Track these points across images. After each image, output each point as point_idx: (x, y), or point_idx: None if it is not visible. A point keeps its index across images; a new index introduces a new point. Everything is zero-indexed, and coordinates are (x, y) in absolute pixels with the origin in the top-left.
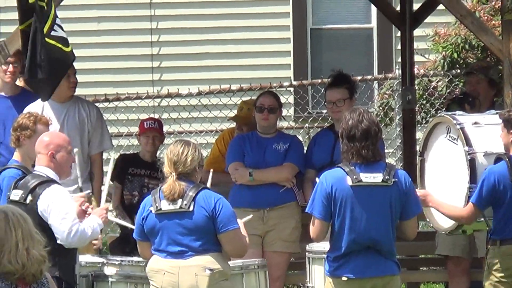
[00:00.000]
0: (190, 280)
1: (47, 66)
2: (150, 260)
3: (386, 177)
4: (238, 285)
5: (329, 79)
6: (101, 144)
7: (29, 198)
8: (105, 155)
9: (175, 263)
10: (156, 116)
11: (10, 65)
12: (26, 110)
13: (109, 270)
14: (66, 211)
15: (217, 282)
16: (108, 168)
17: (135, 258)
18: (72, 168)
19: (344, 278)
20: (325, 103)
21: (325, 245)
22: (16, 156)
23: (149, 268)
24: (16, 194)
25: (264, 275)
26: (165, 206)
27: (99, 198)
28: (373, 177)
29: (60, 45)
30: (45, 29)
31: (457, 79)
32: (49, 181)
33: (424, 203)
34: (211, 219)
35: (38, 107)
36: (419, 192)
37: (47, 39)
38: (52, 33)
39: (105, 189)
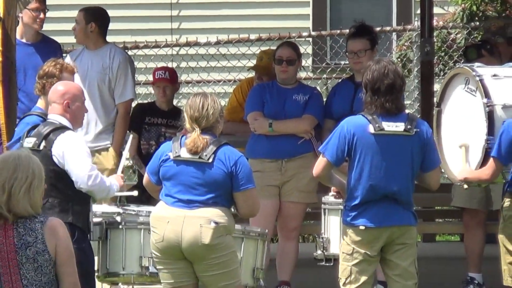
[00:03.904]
0: (194, 231)
1: None
2: (155, 208)
3: (408, 126)
4: (237, 248)
5: (351, 30)
6: (123, 94)
7: (43, 144)
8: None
9: (181, 212)
10: (174, 65)
11: (41, 13)
12: (68, 57)
13: (124, 218)
14: (84, 155)
15: (220, 236)
16: (127, 144)
17: (152, 208)
18: (84, 119)
19: (362, 227)
20: (346, 53)
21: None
22: (40, 103)
23: (153, 215)
24: (29, 142)
25: (263, 245)
26: (185, 154)
27: (119, 150)
28: (395, 126)
29: None
30: None
31: (475, 32)
32: (63, 128)
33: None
34: (228, 176)
35: (77, 52)
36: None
37: None
38: None
39: (122, 160)
